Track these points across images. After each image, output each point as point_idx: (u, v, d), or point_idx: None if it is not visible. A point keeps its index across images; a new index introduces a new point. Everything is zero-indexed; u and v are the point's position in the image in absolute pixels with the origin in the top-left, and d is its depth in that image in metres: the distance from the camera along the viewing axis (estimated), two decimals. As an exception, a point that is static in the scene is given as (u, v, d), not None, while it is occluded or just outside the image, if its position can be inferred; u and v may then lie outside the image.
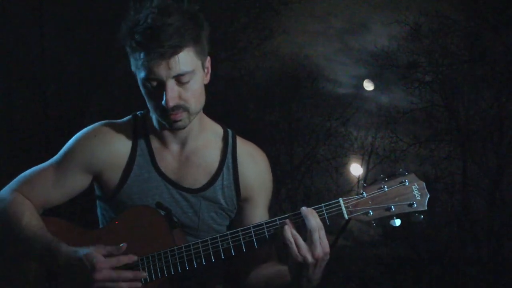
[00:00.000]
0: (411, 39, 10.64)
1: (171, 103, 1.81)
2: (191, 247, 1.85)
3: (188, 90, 1.84)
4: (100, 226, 2.08)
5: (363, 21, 11.58)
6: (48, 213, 2.03)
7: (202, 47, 1.87)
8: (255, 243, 1.83)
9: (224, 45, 10.29)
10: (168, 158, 2.00)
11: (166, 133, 1.99)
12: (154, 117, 1.99)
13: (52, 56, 9.04)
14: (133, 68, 1.90)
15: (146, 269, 1.85)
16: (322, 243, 1.75)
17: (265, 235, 1.83)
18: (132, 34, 1.82)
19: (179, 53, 1.79)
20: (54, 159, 2.02)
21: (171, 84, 1.81)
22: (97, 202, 2.10)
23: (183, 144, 2.00)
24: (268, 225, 1.83)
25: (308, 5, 10.95)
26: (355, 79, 11.96)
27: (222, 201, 2.01)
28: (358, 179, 11.46)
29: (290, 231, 1.76)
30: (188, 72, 1.82)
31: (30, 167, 2.04)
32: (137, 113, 2.06)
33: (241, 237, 1.83)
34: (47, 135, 8.64)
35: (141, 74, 1.83)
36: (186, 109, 1.86)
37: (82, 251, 1.80)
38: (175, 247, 1.86)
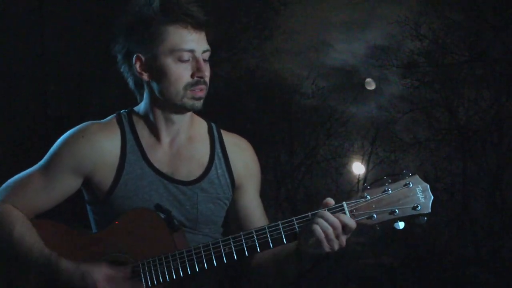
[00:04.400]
0: (411, 39, 10.64)
1: (207, 73, 1.90)
2: (193, 251, 1.83)
3: (207, 70, 1.93)
4: (94, 231, 2.02)
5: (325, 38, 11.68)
6: (43, 215, 1.97)
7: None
8: (258, 248, 1.81)
9: (224, 45, 10.29)
10: (159, 152, 1.98)
11: (158, 128, 1.98)
12: (147, 110, 1.97)
13: (52, 56, 9.04)
14: (149, 51, 1.90)
15: (147, 274, 1.83)
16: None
17: (268, 240, 1.81)
18: (168, 4, 1.87)
19: (208, 29, 1.92)
20: (41, 164, 1.96)
21: (201, 58, 1.90)
22: (89, 207, 2.05)
23: (174, 137, 2.00)
24: (270, 229, 1.81)
25: (309, 5, 10.96)
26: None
27: (219, 190, 2.01)
28: (358, 179, 11.45)
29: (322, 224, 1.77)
30: (209, 50, 1.93)
31: (31, 167, 1.99)
32: (121, 111, 2.05)
33: (243, 241, 1.82)
34: (47, 135, 8.64)
35: (172, 48, 1.87)
36: (207, 87, 1.93)
37: (85, 267, 1.80)
38: (176, 252, 1.84)
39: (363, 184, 1.83)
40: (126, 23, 1.94)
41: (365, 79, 11.68)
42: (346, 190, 11.20)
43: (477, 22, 10.05)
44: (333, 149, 11.59)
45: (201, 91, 1.90)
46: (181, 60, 1.87)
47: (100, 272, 1.79)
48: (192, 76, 1.89)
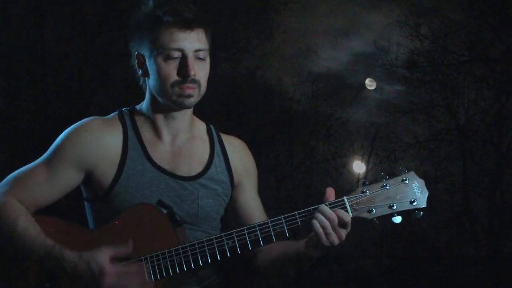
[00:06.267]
0: (411, 39, 10.66)
1: (193, 72, 1.91)
2: (196, 246, 1.85)
3: (202, 69, 1.96)
4: (92, 228, 2.03)
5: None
6: (45, 212, 1.98)
7: (211, 36, 2.01)
8: (261, 242, 1.84)
9: (224, 45, 10.30)
10: (161, 149, 2.02)
11: (159, 125, 2.02)
12: (148, 107, 2.02)
13: (52, 56, 9.05)
14: (145, 49, 1.96)
15: (150, 268, 1.84)
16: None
17: (271, 234, 1.84)
18: (159, 5, 1.93)
19: (202, 28, 1.94)
20: (44, 157, 1.98)
21: (191, 57, 1.93)
22: (87, 205, 2.06)
23: (174, 136, 2.04)
24: (273, 223, 1.85)
25: (308, 4, 10.98)
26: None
27: (218, 187, 2.05)
28: (358, 179, 11.46)
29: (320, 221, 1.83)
30: (206, 49, 1.96)
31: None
32: (122, 109, 2.09)
33: (246, 235, 1.84)
34: (47, 135, 8.65)
35: (162, 46, 1.92)
36: (199, 86, 1.95)
37: (88, 254, 1.80)
38: (179, 246, 1.85)
39: (362, 180, 1.89)
40: (132, 24, 2.01)
41: (365, 79, 11.71)
42: (346, 190, 11.17)
43: (477, 22, 10.07)
44: (333, 149, 11.60)
45: (190, 89, 1.93)
46: (169, 59, 1.92)
47: (104, 256, 1.80)
48: (178, 74, 1.92)
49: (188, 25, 1.91)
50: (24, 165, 2.01)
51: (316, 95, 11.72)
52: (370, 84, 11.72)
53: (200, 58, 1.95)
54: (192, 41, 1.92)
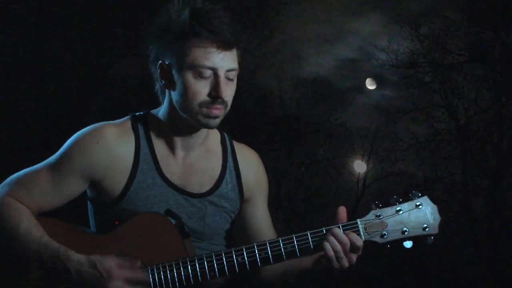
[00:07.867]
0: (411, 39, 10.66)
1: (225, 93, 1.83)
2: (205, 259, 1.80)
3: (230, 89, 1.88)
4: (92, 229, 1.98)
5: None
6: (46, 213, 1.92)
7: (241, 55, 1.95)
8: (271, 259, 1.81)
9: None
10: (172, 163, 1.94)
11: (174, 139, 1.94)
12: (166, 119, 1.94)
13: (52, 56, 9.04)
14: (172, 60, 1.85)
15: (157, 279, 1.80)
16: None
17: (282, 252, 1.81)
18: (197, 18, 1.82)
19: (236, 48, 1.90)
20: (51, 161, 1.91)
21: (223, 77, 1.85)
22: (90, 205, 2.00)
23: (188, 150, 1.96)
24: (285, 242, 1.82)
25: (308, 5, 10.98)
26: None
27: (227, 204, 1.99)
28: (358, 179, 11.45)
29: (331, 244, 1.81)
30: (236, 69, 1.90)
31: (30, 166, 1.93)
32: (136, 114, 1.98)
33: (256, 252, 1.81)
34: (47, 135, 8.65)
35: (194, 62, 1.81)
36: (226, 107, 1.87)
37: (96, 257, 1.77)
38: (187, 258, 1.80)
39: (375, 202, 1.87)
40: (157, 29, 1.90)
41: (365, 79, 11.71)
42: (346, 190, 11.21)
43: (477, 22, 10.06)
44: (333, 148, 11.60)
45: (217, 110, 1.83)
46: (201, 77, 1.82)
47: (112, 260, 1.77)
48: (209, 94, 1.82)
49: (225, 44, 1.83)
50: (24, 164, 1.95)
51: (316, 95, 11.72)
52: (370, 84, 11.73)
53: (229, 79, 1.86)
54: (226, 61, 1.85)
